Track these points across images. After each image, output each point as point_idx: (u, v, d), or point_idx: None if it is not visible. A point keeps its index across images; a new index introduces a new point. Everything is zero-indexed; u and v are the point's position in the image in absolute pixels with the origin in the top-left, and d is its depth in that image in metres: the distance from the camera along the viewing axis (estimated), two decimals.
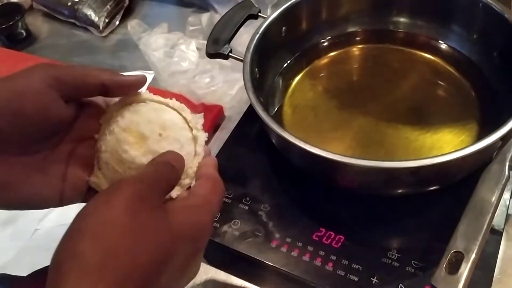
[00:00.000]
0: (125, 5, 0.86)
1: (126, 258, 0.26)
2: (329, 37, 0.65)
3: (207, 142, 0.37)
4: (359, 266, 0.46)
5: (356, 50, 0.65)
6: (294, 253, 0.48)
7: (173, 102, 0.37)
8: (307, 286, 0.47)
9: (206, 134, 0.36)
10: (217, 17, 0.65)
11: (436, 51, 0.62)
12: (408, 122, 0.55)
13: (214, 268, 0.49)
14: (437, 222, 0.49)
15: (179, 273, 0.29)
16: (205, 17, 0.74)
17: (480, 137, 0.47)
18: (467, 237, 0.38)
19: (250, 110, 0.50)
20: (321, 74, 0.63)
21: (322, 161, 0.44)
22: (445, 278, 0.36)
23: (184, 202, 0.32)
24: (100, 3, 0.84)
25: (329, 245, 0.48)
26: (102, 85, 0.34)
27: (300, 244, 0.48)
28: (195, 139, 0.36)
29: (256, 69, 0.55)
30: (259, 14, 0.60)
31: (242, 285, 0.48)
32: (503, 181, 0.43)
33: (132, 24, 0.76)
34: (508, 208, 0.49)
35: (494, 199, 0.41)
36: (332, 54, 0.64)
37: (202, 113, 0.37)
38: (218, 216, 0.51)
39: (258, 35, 0.56)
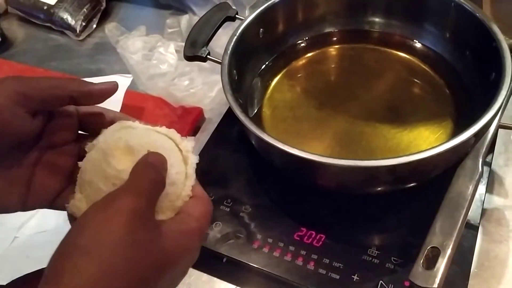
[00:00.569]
0: (102, 8, 0.85)
1: (123, 278, 0.26)
2: (306, 38, 0.66)
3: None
4: (340, 264, 0.47)
5: (333, 50, 0.65)
6: (276, 253, 0.48)
7: (163, 128, 0.36)
8: (289, 286, 0.47)
9: (197, 157, 0.36)
10: (195, 19, 0.65)
11: (411, 50, 0.63)
12: (385, 121, 0.55)
13: (196, 271, 0.49)
14: (415, 218, 0.50)
15: None
16: (183, 19, 0.74)
17: (455, 133, 0.48)
18: (443, 232, 0.39)
19: (230, 112, 0.50)
20: (299, 75, 0.63)
21: (301, 162, 0.44)
22: (422, 273, 0.37)
23: (178, 225, 0.31)
24: (76, 7, 0.83)
25: (310, 245, 0.48)
26: (70, 97, 0.34)
27: (281, 244, 0.49)
28: (185, 160, 0.35)
29: (235, 71, 0.55)
30: (237, 16, 0.60)
31: None
32: (477, 177, 0.44)
33: (110, 27, 0.75)
34: (483, 203, 0.51)
35: (468, 194, 0.42)
36: (309, 54, 0.65)
37: (193, 137, 0.37)
38: None
39: (235, 37, 0.56)
